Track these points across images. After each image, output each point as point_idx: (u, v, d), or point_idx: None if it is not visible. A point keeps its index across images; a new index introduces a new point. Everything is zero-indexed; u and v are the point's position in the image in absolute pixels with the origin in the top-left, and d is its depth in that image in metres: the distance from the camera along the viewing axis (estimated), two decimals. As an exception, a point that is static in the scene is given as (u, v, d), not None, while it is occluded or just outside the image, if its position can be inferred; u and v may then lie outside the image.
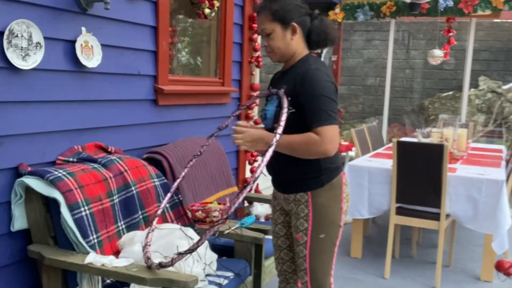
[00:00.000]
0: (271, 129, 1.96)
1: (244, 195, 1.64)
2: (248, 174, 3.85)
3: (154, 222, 2.12)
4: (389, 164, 3.73)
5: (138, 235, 2.15)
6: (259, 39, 4.05)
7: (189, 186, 2.80)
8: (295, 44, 2.03)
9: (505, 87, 8.82)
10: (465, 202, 3.50)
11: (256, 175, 1.66)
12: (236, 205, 1.64)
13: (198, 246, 1.67)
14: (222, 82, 3.48)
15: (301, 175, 2.03)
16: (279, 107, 1.93)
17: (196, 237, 2.20)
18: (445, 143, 3.45)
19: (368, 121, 9.12)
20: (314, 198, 2.03)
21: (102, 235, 2.09)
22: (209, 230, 1.63)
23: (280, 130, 1.75)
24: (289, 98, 1.89)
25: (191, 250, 1.69)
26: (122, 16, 2.49)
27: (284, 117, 1.79)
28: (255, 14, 2.04)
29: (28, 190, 2.00)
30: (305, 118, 1.93)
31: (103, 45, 2.35)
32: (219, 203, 2.70)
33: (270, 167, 2.06)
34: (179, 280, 1.78)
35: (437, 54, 5.58)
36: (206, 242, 2.29)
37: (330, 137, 1.88)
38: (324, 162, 2.00)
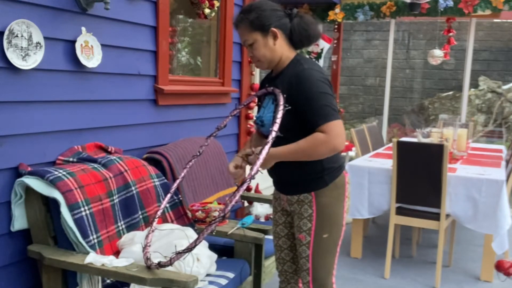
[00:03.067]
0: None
1: (240, 193, 1.64)
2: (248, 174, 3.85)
3: (154, 223, 2.12)
4: (389, 164, 3.73)
5: (138, 235, 2.15)
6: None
7: (189, 186, 2.80)
8: (280, 48, 2.00)
9: (505, 87, 8.82)
10: (465, 202, 3.50)
11: (253, 173, 1.66)
12: (233, 203, 1.64)
13: (196, 245, 1.67)
14: (222, 82, 3.48)
15: (304, 176, 2.02)
16: (274, 111, 1.93)
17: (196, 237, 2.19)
18: (445, 143, 3.45)
19: (368, 121, 9.12)
20: (317, 198, 2.03)
21: (102, 235, 2.09)
22: (206, 229, 1.63)
23: (276, 127, 1.74)
24: (285, 96, 1.89)
25: (189, 249, 1.69)
26: (122, 16, 2.49)
27: (280, 114, 1.78)
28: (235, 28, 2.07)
29: (28, 190, 2.00)
30: (306, 119, 1.91)
31: (103, 45, 2.35)
32: (219, 203, 2.71)
33: (272, 169, 2.03)
34: (179, 280, 1.78)
35: (437, 54, 5.58)
36: (205, 242, 2.29)
37: (336, 132, 1.87)
38: (327, 161, 1.99)
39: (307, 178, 2.02)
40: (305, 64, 1.96)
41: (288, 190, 2.11)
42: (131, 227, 2.28)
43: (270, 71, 2.14)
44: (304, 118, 1.91)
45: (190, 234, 2.18)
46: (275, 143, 1.78)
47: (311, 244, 2.06)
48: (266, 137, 1.97)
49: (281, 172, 2.05)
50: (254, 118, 2.17)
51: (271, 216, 2.28)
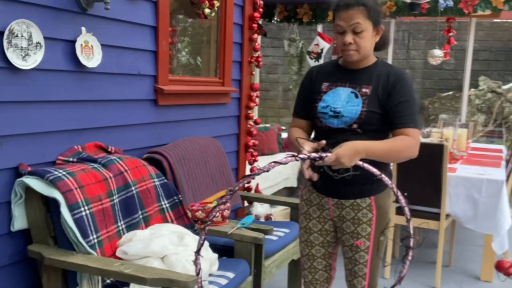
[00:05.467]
0: (347, 130, 1.92)
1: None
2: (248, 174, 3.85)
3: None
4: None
5: (138, 235, 2.16)
6: (259, 39, 4.05)
7: (189, 186, 2.80)
8: (373, 45, 2.00)
9: (505, 87, 8.82)
10: (465, 202, 3.50)
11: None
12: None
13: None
14: (222, 82, 3.48)
15: (367, 179, 1.94)
16: (363, 106, 1.92)
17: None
18: (445, 143, 3.45)
19: (368, 121, 9.10)
20: (377, 201, 2.01)
21: (102, 235, 2.09)
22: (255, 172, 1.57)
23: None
24: (372, 89, 1.93)
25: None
26: (122, 16, 2.49)
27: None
28: (342, 7, 1.93)
29: (28, 190, 2.00)
30: (394, 117, 1.93)
31: (103, 45, 2.35)
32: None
33: (325, 172, 1.90)
34: (179, 280, 1.78)
35: (437, 54, 5.58)
36: (206, 242, 2.29)
37: (419, 139, 1.93)
38: (389, 165, 2.00)
39: (369, 181, 1.96)
40: (398, 68, 2.02)
41: (343, 193, 2.01)
42: (131, 227, 2.28)
43: (319, 63, 2.08)
44: (390, 116, 1.94)
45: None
46: (349, 138, 1.79)
47: (370, 248, 2.03)
48: (329, 130, 1.94)
49: (346, 173, 1.89)
50: (321, 107, 2.01)
51: (302, 225, 2.20)
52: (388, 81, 1.96)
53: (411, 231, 1.71)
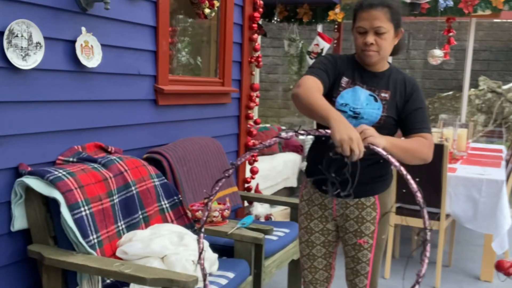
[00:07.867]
0: None
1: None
2: (248, 174, 3.86)
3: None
4: (389, 164, 3.72)
5: (138, 235, 2.16)
6: (259, 39, 4.05)
7: (189, 186, 2.80)
8: (391, 49, 1.99)
9: (505, 87, 8.82)
10: (465, 202, 3.50)
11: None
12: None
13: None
14: (222, 82, 3.48)
15: (371, 179, 1.96)
16: (383, 111, 1.94)
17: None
18: (445, 143, 3.45)
19: (368, 121, 9.10)
20: (380, 200, 2.03)
21: (102, 235, 2.09)
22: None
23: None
24: (391, 95, 1.96)
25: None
26: (122, 16, 2.49)
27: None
28: (365, 7, 1.90)
29: (28, 190, 2.00)
30: (410, 122, 1.96)
31: (103, 45, 2.35)
32: (219, 203, 2.71)
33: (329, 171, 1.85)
34: (179, 280, 1.78)
35: (437, 54, 5.58)
36: (206, 242, 2.29)
37: (433, 143, 1.96)
38: (390, 165, 2.02)
39: (373, 181, 1.98)
40: (409, 75, 2.08)
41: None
42: (131, 227, 2.28)
43: (341, 54, 2.03)
44: (406, 122, 1.97)
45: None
46: None
47: (373, 247, 2.04)
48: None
49: (353, 172, 1.80)
50: (339, 103, 1.97)
51: (303, 225, 2.19)
52: (405, 89, 1.98)
53: (427, 223, 1.71)
